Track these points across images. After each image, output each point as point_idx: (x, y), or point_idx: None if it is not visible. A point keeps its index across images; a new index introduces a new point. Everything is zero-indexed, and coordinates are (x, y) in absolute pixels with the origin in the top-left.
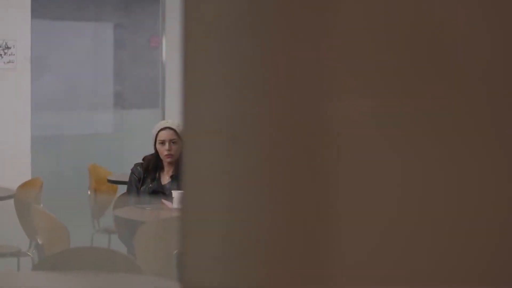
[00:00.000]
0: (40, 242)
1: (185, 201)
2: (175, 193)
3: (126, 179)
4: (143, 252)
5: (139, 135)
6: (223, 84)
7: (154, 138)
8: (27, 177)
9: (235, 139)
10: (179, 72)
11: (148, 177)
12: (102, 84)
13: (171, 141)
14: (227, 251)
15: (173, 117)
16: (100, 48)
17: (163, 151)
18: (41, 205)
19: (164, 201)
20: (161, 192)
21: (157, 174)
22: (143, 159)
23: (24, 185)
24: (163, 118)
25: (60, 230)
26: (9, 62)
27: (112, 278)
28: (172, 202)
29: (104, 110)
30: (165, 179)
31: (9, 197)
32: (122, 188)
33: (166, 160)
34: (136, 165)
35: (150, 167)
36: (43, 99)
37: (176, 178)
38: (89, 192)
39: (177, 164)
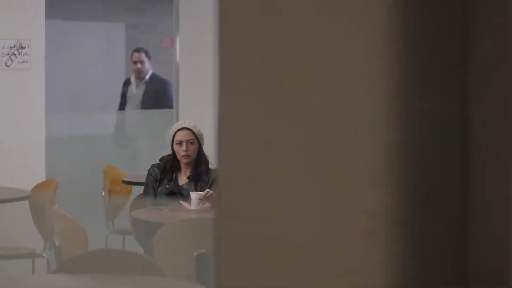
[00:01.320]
0: (57, 243)
1: (220, 204)
2: (193, 194)
3: (141, 180)
4: (162, 254)
5: (152, 135)
6: (258, 85)
7: (171, 139)
8: (42, 178)
9: (270, 141)
10: (193, 72)
11: (165, 178)
12: (115, 84)
13: (188, 142)
14: (262, 254)
15: (187, 117)
16: (112, 48)
17: (180, 151)
18: (56, 206)
19: (182, 202)
20: (178, 193)
21: (174, 175)
22: (160, 160)
23: (39, 186)
24: (177, 119)
25: (78, 232)
26: (23, 62)
27: (134, 280)
28: (189, 203)
29: (118, 111)
30: (182, 180)
31: (24, 198)
32: (137, 189)
33: (183, 161)
34: (153, 166)
35: (167, 168)
36: (56, 99)
37: (193, 179)
38: (103, 193)
39: (194, 164)
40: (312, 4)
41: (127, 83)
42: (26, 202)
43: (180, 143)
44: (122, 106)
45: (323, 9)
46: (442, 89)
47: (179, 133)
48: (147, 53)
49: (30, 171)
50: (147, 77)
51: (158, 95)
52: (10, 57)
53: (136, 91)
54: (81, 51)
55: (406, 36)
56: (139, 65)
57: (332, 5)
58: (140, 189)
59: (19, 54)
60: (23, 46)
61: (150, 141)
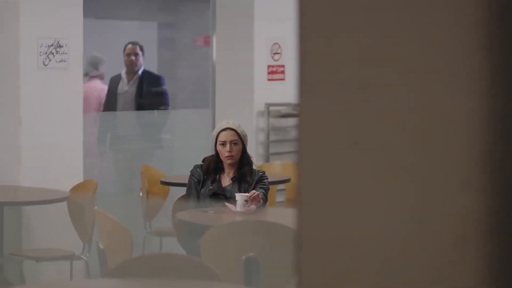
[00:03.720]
0: (101, 246)
1: (301, 208)
2: (238, 196)
3: (179, 180)
4: (211, 257)
5: (188, 135)
6: (343, 84)
7: (214, 139)
8: (79, 178)
9: (356, 141)
10: (230, 71)
11: (208, 179)
12: None
13: (232, 142)
14: (347, 260)
15: (224, 118)
16: (144, 47)
17: (224, 152)
18: (95, 207)
19: (227, 204)
20: (221, 194)
21: (218, 176)
22: (203, 161)
23: (78, 187)
24: (214, 119)
25: (122, 234)
26: (61, 61)
27: (187, 285)
28: (234, 204)
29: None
30: (226, 181)
31: (62, 199)
32: (174, 190)
33: (226, 162)
34: (195, 167)
35: (210, 169)
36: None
37: (237, 180)
38: (141, 194)
39: (238, 165)
40: (403, 2)
41: (116, 79)
42: (63, 204)
43: (223, 143)
44: (111, 106)
45: (412, 5)
46: None
47: (223, 133)
48: (141, 48)
49: (67, 171)
50: (140, 72)
51: (154, 93)
52: (47, 56)
53: (128, 88)
54: (114, 50)
55: (499, 34)
56: (132, 57)
57: (425, 3)
58: (178, 190)
59: (56, 53)
60: (61, 44)
61: (186, 141)
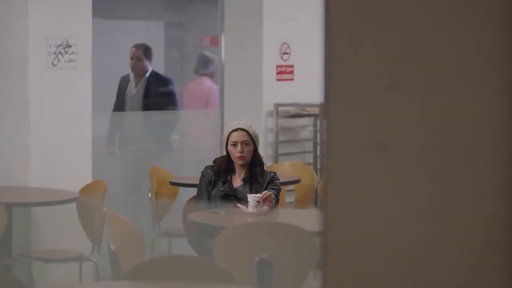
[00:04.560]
0: (113, 248)
1: (327, 209)
2: (250, 197)
3: (188, 181)
4: (224, 258)
5: (197, 136)
6: (373, 84)
7: (225, 140)
8: (88, 178)
9: (385, 142)
10: (239, 71)
11: (219, 180)
12: None
13: (243, 143)
14: (375, 263)
15: (232, 118)
16: (151, 47)
17: (235, 153)
18: (105, 208)
19: (239, 205)
20: (233, 195)
21: (229, 177)
22: (214, 161)
23: (87, 188)
24: (222, 119)
25: (135, 236)
26: (70, 61)
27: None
28: (246, 206)
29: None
30: (237, 182)
31: (72, 200)
32: (183, 191)
33: (238, 162)
34: (206, 167)
35: (221, 170)
36: (102, 99)
37: (248, 181)
38: (149, 195)
39: (249, 166)
40: (430, 2)
41: (125, 80)
42: (72, 204)
43: (234, 144)
44: (120, 106)
45: (439, 6)
46: None
47: (234, 134)
48: (146, 50)
49: (76, 172)
50: (147, 75)
51: (161, 93)
52: (56, 56)
53: (135, 91)
54: (121, 50)
55: None
56: (133, 61)
57: (452, 4)
58: (186, 191)
59: (65, 53)
60: (70, 44)
61: (195, 142)
